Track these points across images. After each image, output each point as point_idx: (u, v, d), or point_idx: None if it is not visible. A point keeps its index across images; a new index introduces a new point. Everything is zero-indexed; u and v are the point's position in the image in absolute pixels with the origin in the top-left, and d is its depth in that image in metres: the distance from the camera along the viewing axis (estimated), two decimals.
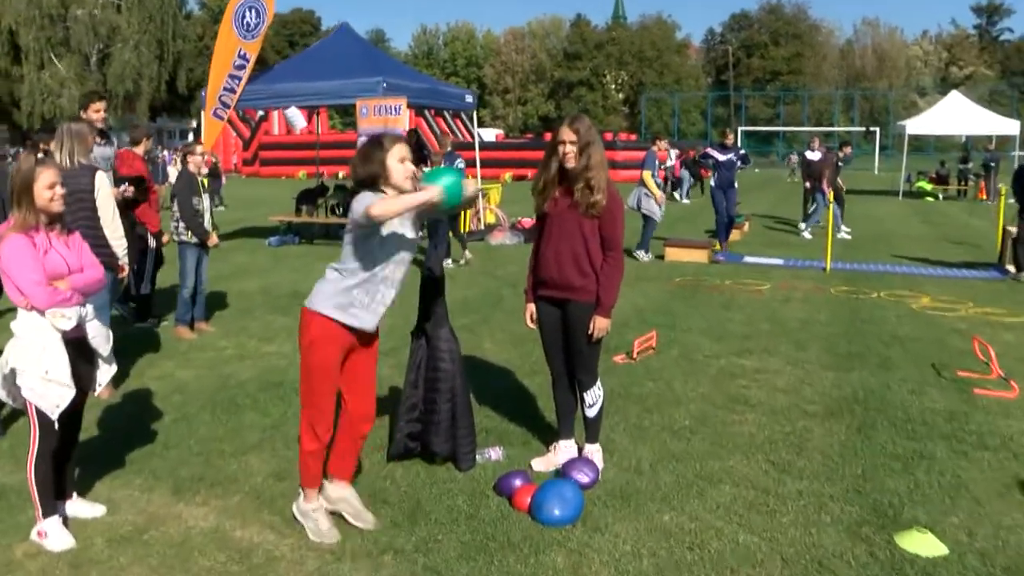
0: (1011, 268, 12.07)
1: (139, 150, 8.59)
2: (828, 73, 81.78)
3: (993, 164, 27.56)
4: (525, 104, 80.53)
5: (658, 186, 13.53)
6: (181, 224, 7.88)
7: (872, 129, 46.67)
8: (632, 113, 76.85)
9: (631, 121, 74.64)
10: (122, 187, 7.21)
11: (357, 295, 3.76)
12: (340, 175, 36.35)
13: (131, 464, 4.93)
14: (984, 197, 27.66)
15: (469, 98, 16.09)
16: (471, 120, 36.46)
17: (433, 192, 3.56)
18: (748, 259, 13.45)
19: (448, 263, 12.55)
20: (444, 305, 4.54)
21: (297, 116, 13.76)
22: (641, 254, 13.35)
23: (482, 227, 16.64)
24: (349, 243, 3.78)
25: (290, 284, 11.01)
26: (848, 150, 17.98)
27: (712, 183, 14.45)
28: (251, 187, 34.88)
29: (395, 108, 12.29)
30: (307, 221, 15.90)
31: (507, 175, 37.38)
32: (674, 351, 7.57)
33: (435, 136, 14.62)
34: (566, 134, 4.41)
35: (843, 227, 16.96)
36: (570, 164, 4.41)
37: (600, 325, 4.50)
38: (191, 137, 47.41)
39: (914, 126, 28.95)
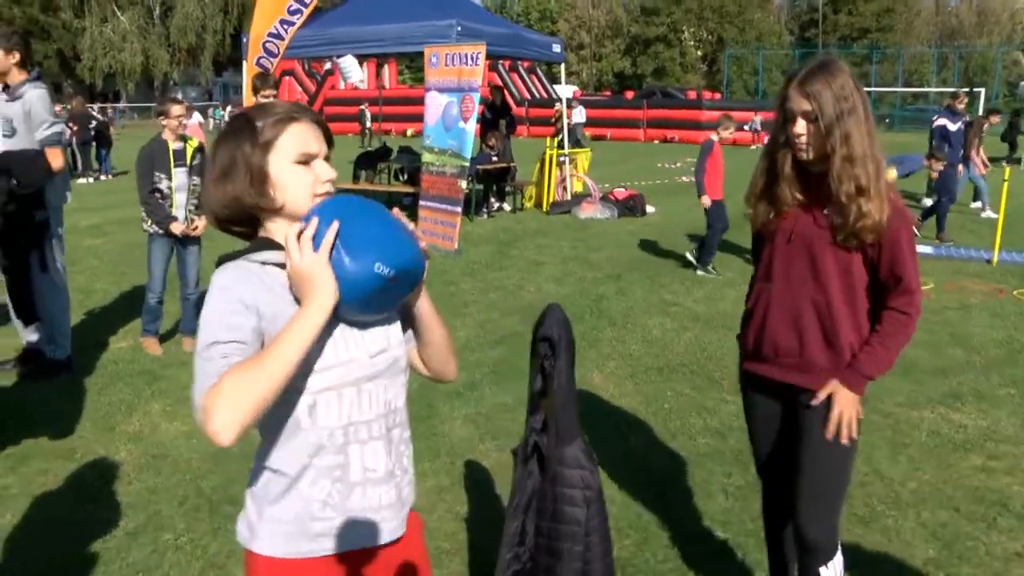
0: None
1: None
2: (921, 30, 77.06)
3: None
4: (600, 60, 77.53)
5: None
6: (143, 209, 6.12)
7: (976, 90, 43.09)
8: (711, 71, 73.39)
9: (710, 79, 71.24)
10: None
11: (316, 498, 1.70)
12: (409, 132, 34.60)
13: None
14: None
15: (557, 47, 13.82)
16: (549, 74, 34.00)
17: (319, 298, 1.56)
18: None
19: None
20: (574, 400, 2.52)
21: (353, 66, 11.74)
22: None
23: (568, 197, 14.58)
24: None
25: None
26: (995, 119, 15.33)
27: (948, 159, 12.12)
28: None
29: (472, 57, 10.15)
30: (366, 188, 13.94)
31: (585, 134, 35.10)
32: None
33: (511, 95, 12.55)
34: (796, 101, 2.43)
35: (988, 205, 14.56)
36: (803, 155, 2.47)
37: (842, 405, 2.50)
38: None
39: None
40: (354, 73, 12.02)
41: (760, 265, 2.67)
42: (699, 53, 74.72)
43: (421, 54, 11.25)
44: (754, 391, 2.74)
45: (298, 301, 1.60)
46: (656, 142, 35.39)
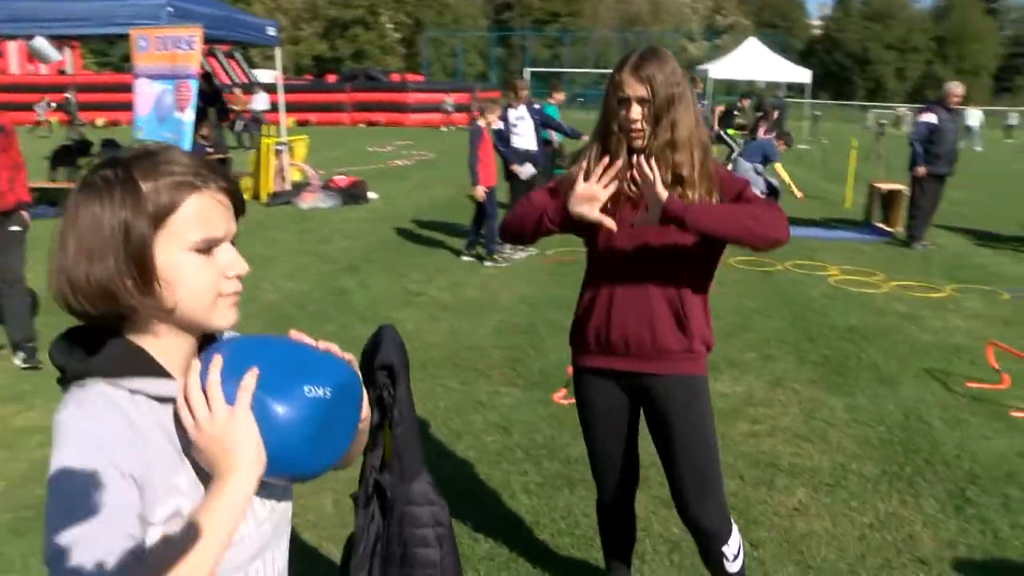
0: (887, 227, 11.70)
1: None
2: (605, 15, 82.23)
3: (780, 111, 28.31)
4: (298, 44, 75.87)
5: None
6: None
7: None
8: (410, 53, 74.14)
9: (409, 61, 71.96)
10: None
11: None
12: (100, 122, 31.90)
13: None
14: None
15: (272, 30, 13.14)
16: (247, 58, 32.97)
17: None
18: None
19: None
20: (417, 431, 2.29)
21: (46, 48, 10.53)
22: None
23: (288, 187, 14.01)
24: None
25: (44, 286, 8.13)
26: (745, 102, 16.52)
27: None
28: None
29: (187, 41, 9.40)
30: (67, 187, 12.63)
31: (291, 120, 34.11)
32: None
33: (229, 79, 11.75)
34: (632, 86, 2.35)
35: None
36: (638, 142, 2.39)
37: (658, 190, 2.26)
38: None
39: (717, 70, 28.43)
40: (50, 54, 10.76)
41: (599, 259, 2.55)
42: (398, 36, 75.23)
43: (122, 36, 10.29)
44: (596, 388, 2.65)
45: (199, 472, 1.15)
46: (362, 125, 35.11)
